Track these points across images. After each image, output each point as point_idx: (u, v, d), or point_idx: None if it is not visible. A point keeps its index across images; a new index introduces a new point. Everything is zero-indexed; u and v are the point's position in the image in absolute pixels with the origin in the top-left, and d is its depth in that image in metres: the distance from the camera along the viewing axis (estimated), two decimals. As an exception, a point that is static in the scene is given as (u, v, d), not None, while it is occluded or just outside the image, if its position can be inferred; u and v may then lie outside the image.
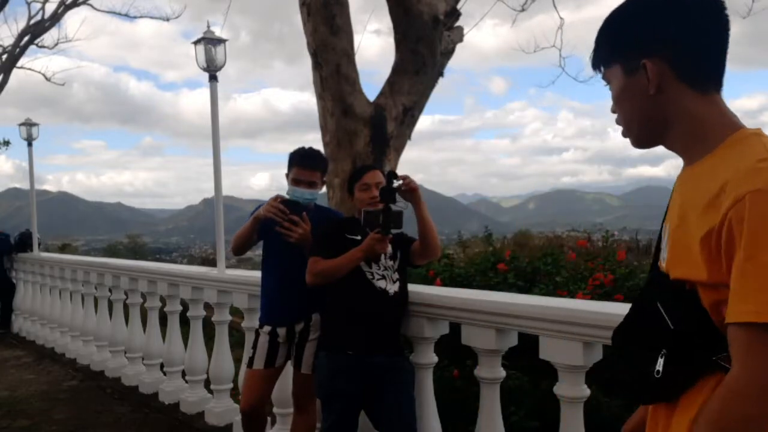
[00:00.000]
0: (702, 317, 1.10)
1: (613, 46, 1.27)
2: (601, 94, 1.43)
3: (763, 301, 0.97)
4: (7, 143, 13.59)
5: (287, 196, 3.03)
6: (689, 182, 1.20)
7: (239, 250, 3.18)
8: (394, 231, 2.72)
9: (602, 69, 1.31)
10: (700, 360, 1.10)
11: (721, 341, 1.06)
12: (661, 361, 1.15)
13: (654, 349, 1.17)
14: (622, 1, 1.28)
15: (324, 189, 5.15)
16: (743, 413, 0.99)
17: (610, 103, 1.39)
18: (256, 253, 3.77)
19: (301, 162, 3.05)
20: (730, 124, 1.18)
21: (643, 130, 1.28)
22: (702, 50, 1.19)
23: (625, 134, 1.31)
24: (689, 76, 1.19)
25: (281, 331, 3.14)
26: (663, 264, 1.23)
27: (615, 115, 1.32)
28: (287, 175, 3.12)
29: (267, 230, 3.07)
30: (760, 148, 1.08)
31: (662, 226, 1.29)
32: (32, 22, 16.08)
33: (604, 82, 1.34)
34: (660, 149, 1.35)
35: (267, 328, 3.16)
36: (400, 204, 2.71)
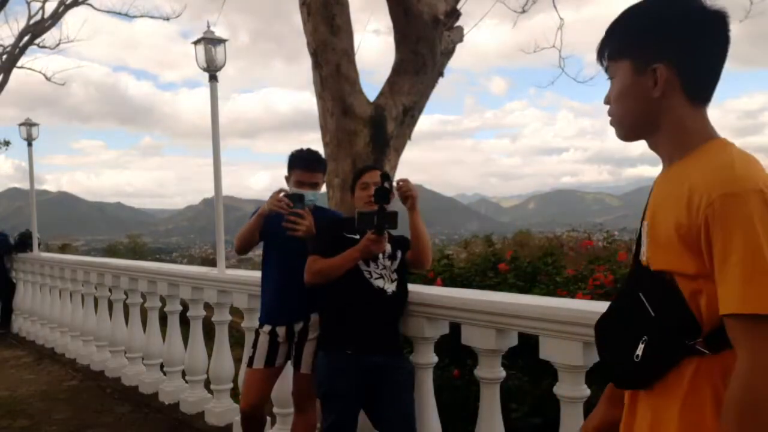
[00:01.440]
0: (681, 306, 1.20)
1: (628, 42, 1.31)
2: (601, 94, 1.44)
3: (746, 294, 1.08)
4: (7, 144, 13.59)
5: (289, 191, 3.03)
6: (664, 184, 1.31)
7: (243, 248, 3.19)
8: (390, 231, 2.72)
9: (607, 60, 1.34)
10: (678, 345, 1.19)
11: (697, 328, 1.18)
12: (641, 347, 1.24)
13: (636, 336, 1.26)
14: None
15: (324, 189, 5.16)
16: (759, 396, 1.08)
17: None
18: (257, 253, 3.77)
19: (305, 165, 3.07)
20: (708, 135, 1.28)
21: (634, 128, 1.35)
22: (708, 66, 1.27)
23: (614, 125, 1.37)
24: (691, 87, 1.27)
25: (280, 331, 3.14)
26: (644, 258, 1.31)
27: (608, 106, 1.37)
28: (287, 178, 3.13)
29: (268, 230, 3.08)
30: (726, 156, 1.20)
31: (641, 224, 1.37)
32: (32, 21, 16.08)
33: (605, 74, 1.38)
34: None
35: (267, 328, 3.17)
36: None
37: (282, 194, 2.99)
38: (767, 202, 1.11)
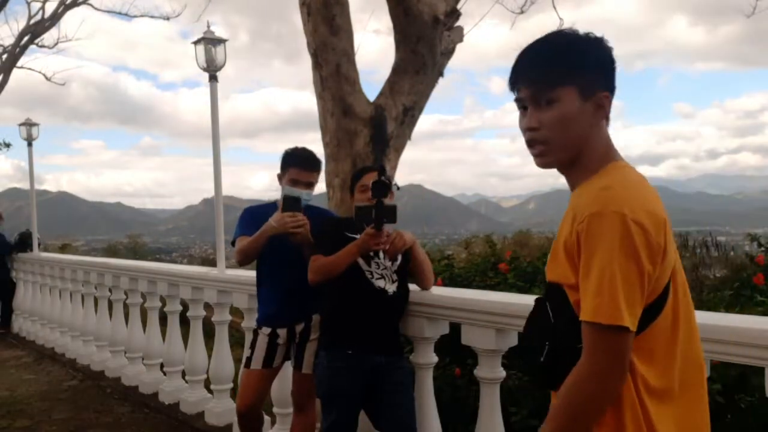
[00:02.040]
0: (570, 313, 1.32)
1: (574, 68, 1.35)
2: None
3: (595, 305, 1.22)
4: (8, 145, 13.58)
5: (293, 193, 2.96)
6: (570, 203, 1.39)
7: (247, 263, 3.14)
8: (389, 224, 2.70)
9: (545, 85, 1.35)
10: (569, 349, 1.30)
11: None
12: (545, 352, 1.36)
13: (542, 341, 1.38)
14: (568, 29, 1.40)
15: (324, 189, 5.15)
16: (589, 392, 1.24)
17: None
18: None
19: (301, 163, 3.03)
20: (611, 157, 1.39)
21: (567, 153, 1.38)
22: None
23: (539, 151, 1.39)
24: (610, 113, 1.39)
25: (282, 332, 3.13)
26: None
27: (539, 129, 1.37)
28: (280, 176, 3.07)
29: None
30: (610, 179, 1.30)
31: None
32: (32, 21, 16.08)
33: (515, 95, 1.42)
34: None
35: (266, 330, 3.15)
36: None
37: (283, 194, 2.96)
38: (625, 224, 1.22)
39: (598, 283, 1.22)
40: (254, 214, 3.15)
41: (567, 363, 1.30)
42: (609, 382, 1.23)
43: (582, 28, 1.40)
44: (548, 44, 1.39)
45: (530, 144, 1.40)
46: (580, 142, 1.37)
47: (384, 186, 2.62)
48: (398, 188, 2.87)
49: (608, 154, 1.39)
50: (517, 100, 1.43)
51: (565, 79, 1.34)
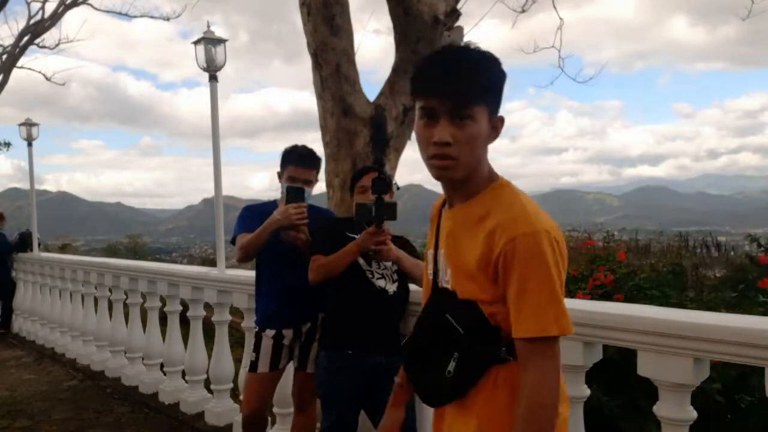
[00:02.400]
0: (485, 324, 1.40)
1: (489, 89, 1.39)
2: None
3: (541, 320, 1.31)
4: (8, 145, 13.58)
5: (296, 186, 2.90)
6: (460, 219, 1.46)
7: (249, 258, 3.09)
8: (388, 221, 2.69)
9: (463, 102, 1.36)
10: (486, 356, 1.40)
11: (499, 339, 1.39)
12: (453, 363, 1.42)
13: (447, 354, 1.43)
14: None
15: (324, 189, 5.15)
16: (550, 401, 1.32)
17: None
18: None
19: (301, 161, 3.00)
20: (493, 176, 1.47)
21: (467, 172, 1.42)
22: None
23: (446, 165, 1.40)
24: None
25: (288, 333, 3.10)
26: (447, 284, 1.49)
27: (451, 144, 1.38)
28: (279, 174, 3.05)
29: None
30: (519, 200, 1.39)
31: (436, 253, 1.54)
32: (32, 21, 16.08)
33: (422, 103, 1.41)
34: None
35: (270, 332, 3.10)
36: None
37: (284, 188, 2.90)
38: (551, 242, 1.32)
39: (538, 300, 1.31)
40: (254, 212, 3.13)
41: (475, 372, 1.41)
42: (558, 384, 1.35)
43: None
44: (469, 60, 1.38)
45: (439, 157, 1.39)
46: (477, 162, 1.41)
47: (384, 183, 2.59)
48: (398, 188, 2.86)
49: (492, 172, 1.47)
50: (423, 109, 1.40)
51: (480, 98, 1.37)
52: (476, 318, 1.40)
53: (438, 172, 1.42)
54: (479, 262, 1.37)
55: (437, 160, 1.39)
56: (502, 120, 1.42)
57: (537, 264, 1.31)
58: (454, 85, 1.35)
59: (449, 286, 1.48)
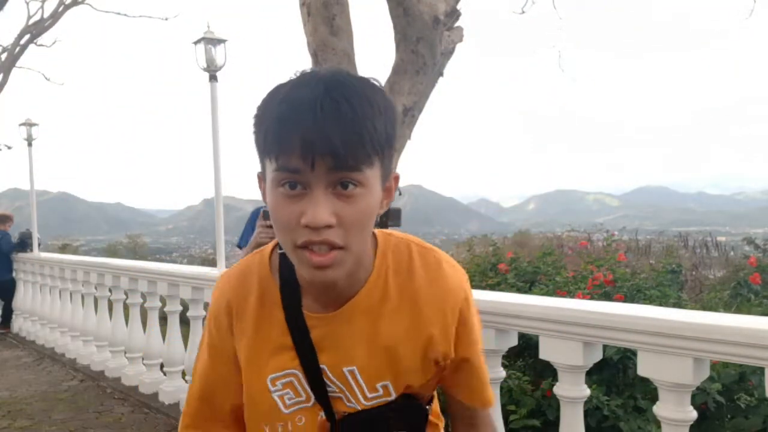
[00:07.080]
0: (421, 408, 1.23)
1: (383, 141, 0.94)
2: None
3: (489, 391, 1.27)
4: (9, 147, 13.60)
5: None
6: (385, 320, 1.08)
7: None
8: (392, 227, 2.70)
9: (349, 166, 0.90)
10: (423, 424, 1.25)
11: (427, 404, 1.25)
12: None
13: None
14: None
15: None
16: None
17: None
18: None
19: None
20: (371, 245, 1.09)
21: (355, 260, 1.00)
22: None
23: (334, 260, 0.93)
24: None
25: None
26: (366, 402, 1.11)
27: (333, 226, 0.91)
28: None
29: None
30: (435, 260, 1.12)
31: (328, 372, 1.09)
32: (31, 21, 16.09)
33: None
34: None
35: None
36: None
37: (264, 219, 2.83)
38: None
39: (484, 370, 1.24)
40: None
41: None
42: None
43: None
44: (356, 97, 0.90)
45: (319, 247, 0.91)
46: (365, 244, 1.02)
47: None
48: (400, 194, 2.85)
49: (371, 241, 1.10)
50: (282, 171, 0.90)
51: (373, 156, 0.91)
52: (414, 407, 1.22)
53: (316, 274, 0.93)
54: (427, 350, 1.12)
55: (316, 256, 0.91)
56: (397, 178, 1.02)
57: (477, 334, 1.22)
58: (331, 141, 0.87)
59: (381, 396, 1.12)
